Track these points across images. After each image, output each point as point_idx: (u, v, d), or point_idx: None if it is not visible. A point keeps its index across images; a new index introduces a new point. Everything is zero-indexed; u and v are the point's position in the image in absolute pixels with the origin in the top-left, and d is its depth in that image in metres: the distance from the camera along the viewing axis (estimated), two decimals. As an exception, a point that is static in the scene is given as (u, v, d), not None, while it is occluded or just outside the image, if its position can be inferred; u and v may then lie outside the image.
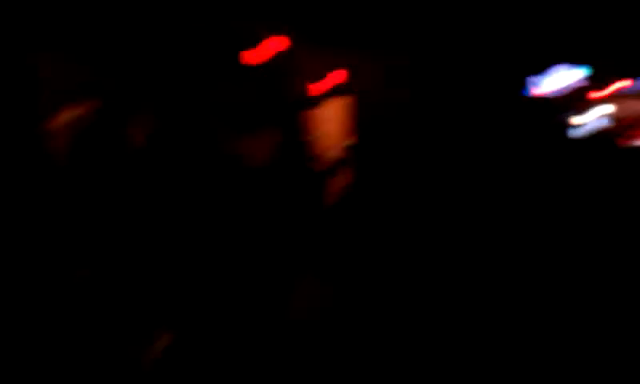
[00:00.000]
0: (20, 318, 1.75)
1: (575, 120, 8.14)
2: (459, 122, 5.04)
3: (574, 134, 7.62)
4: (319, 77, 5.83)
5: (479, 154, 3.99)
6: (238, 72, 5.24)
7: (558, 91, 8.33)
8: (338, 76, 5.67)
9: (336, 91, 5.76)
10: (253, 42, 5.15)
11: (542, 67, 8.47)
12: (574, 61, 8.33)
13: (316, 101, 5.64)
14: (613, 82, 8.45)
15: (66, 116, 2.16)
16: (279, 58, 5.28)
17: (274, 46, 5.12)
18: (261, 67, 5.23)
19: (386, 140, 4.96)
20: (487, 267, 2.89)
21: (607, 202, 3.61)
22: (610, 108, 8.34)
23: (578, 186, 3.82)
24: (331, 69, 5.65)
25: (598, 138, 7.97)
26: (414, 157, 3.79)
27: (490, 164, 3.92)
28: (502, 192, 3.59)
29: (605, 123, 8.19)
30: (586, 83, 8.36)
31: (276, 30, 5.17)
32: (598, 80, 8.29)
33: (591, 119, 8.24)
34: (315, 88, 5.79)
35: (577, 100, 8.21)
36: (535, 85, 8.43)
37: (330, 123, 5.56)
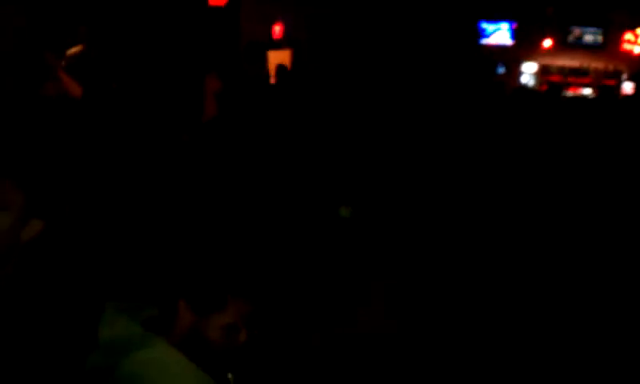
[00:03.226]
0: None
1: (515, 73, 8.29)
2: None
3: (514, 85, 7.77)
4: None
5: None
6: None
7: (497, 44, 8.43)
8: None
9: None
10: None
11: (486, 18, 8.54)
12: (500, 17, 8.45)
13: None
14: (539, 39, 8.64)
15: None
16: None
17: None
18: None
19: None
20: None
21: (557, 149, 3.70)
22: (535, 64, 8.55)
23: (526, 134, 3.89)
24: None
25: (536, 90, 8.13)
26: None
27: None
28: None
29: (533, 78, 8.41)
30: (513, 40, 8.53)
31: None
32: (524, 37, 8.49)
33: (525, 74, 8.43)
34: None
35: (506, 55, 8.39)
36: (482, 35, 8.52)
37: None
